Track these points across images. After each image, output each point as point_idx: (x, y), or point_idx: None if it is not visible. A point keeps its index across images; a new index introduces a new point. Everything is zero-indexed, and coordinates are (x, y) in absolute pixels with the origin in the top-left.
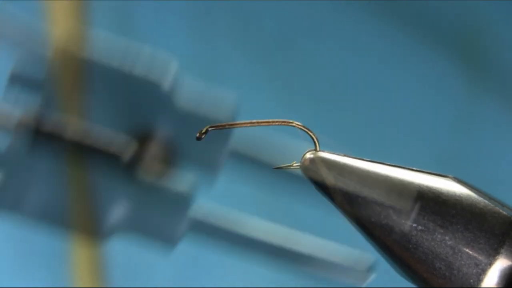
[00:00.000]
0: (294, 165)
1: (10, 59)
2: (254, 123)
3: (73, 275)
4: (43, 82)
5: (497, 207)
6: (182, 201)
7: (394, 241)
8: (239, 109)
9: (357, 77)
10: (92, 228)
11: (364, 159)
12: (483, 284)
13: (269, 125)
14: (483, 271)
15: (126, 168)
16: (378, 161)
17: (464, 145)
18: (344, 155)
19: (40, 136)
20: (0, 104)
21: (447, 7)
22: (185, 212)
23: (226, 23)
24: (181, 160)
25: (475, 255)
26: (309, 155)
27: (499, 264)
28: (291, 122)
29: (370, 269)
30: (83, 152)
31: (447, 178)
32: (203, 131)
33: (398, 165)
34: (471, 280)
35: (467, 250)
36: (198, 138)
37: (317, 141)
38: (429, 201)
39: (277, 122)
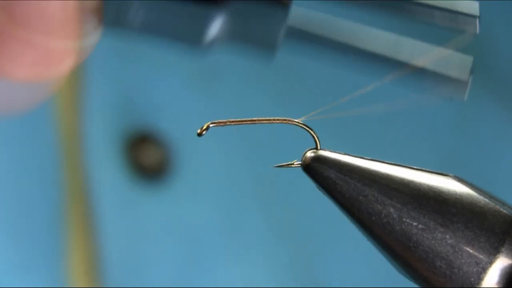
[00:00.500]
0: (295, 163)
1: None
2: (255, 120)
3: (70, 275)
4: None
5: (497, 206)
6: (279, 9)
7: (395, 240)
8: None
9: (356, 76)
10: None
11: (365, 157)
12: (484, 283)
13: (270, 123)
14: (483, 270)
15: None
16: (379, 159)
17: (464, 144)
18: (345, 154)
19: None
20: None
21: None
22: (283, 18)
23: None
24: None
25: (476, 253)
26: (310, 154)
27: (500, 263)
28: (292, 120)
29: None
30: None
31: (448, 177)
32: (204, 127)
33: (399, 163)
34: (472, 279)
35: (467, 249)
36: (199, 134)
37: (318, 139)
38: (430, 200)
39: (278, 120)
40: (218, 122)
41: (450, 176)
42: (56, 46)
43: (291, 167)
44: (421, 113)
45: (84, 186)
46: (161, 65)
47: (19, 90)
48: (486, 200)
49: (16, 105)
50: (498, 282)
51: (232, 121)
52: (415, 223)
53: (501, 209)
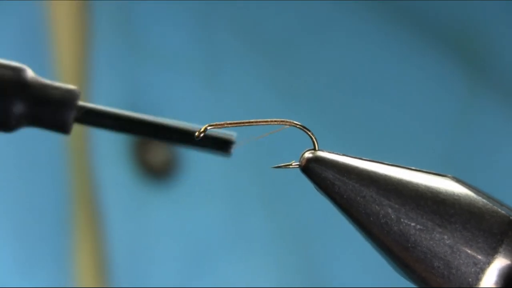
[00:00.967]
0: (293, 164)
1: None
2: (252, 122)
3: (77, 275)
4: None
5: (495, 207)
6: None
7: (393, 240)
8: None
9: (357, 75)
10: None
11: (363, 158)
12: (482, 283)
13: (268, 124)
14: (481, 270)
15: None
16: (377, 160)
17: (465, 143)
18: (343, 155)
19: None
20: None
21: (449, 5)
22: None
23: (229, 21)
24: None
25: (474, 254)
26: (308, 154)
27: (498, 263)
28: (290, 122)
29: None
30: None
31: (446, 178)
32: (202, 129)
33: (397, 164)
34: (470, 279)
35: (465, 249)
36: (197, 137)
37: (316, 140)
38: (428, 200)
39: (275, 121)
40: (216, 124)
41: (448, 177)
42: None
43: (289, 168)
44: (423, 112)
45: (91, 186)
46: (169, 63)
47: None
48: (484, 200)
49: None
50: (496, 283)
51: (230, 123)
52: (413, 224)
53: (499, 209)
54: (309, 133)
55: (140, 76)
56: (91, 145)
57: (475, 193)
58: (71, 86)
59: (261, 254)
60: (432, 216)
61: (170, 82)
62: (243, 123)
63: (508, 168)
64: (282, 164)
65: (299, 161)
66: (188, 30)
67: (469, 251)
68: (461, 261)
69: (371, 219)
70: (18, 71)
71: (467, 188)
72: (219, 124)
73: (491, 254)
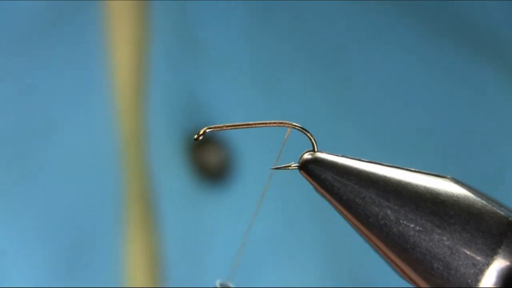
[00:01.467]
0: (293, 165)
1: None
2: (251, 124)
3: (130, 275)
4: None
5: (494, 208)
6: None
7: (392, 242)
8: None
9: (408, 86)
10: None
11: (362, 159)
12: (481, 284)
13: (267, 126)
14: (480, 271)
15: None
16: (376, 161)
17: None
18: (342, 156)
19: None
20: None
21: (499, 18)
22: None
23: (285, 27)
24: None
25: (473, 255)
26: (307, 156)
27: (497, 264)
28: (289, 123)
29: None
30: None
31: (445, 179)
32: (201, 132)
33: (396, 165)
34: (469, 280)
35: (464, 250)
36: (196, 139)
37: (315, 142)
38: (427, 202)
39: (274, 123)
40: (215, 127)
41: (448, 178)
42: None
43: (289, 169)
44: (470, 124)
45: (146, 187)
46: (224, 64)
47: None
48: (483, 201)
49: None
50: (495, 284)
51: (228, 126)
52: (412, 225)
53: (498, 210)
54: (308, 134)
55: (196, 76)
56: (148, 146)
57: (474, 194)
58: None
59: (310, 258)
60: (432, 217)
61: (224, 84)
62: (241, 125)
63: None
64: (281, 166)
65: (298, 163)
66: (244, 33)
67: (468, 252)
68: (460, 262)
69: (370, 220)
70: None
71: (466, 189)
72: (218, 127)
73: (490, 255)
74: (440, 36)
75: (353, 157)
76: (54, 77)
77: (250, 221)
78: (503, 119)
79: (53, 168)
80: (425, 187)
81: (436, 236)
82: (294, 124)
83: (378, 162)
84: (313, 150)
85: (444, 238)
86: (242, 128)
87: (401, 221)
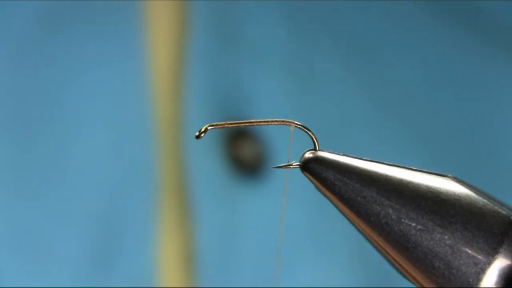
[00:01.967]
0: (294, 164)
1: None
2: (253, 122)
3: (162, 269)
4: None
5: (496, 207)
6: None
7: (393, 241)
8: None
9: (447, 82)
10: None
11: (364, 158)
12: (482, 283)
13: (268, 124)
14: (482, 271)
15: None
16: (378, 160)
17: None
18: (344, 155)
19: None
20: None
21: None
22: None
23: (322, 21)
24: None
25: (474, 254)
26: (308, 155)
27: (498, 264)
28: (290, 122)
29: None
30: None
31: (446, 178)
32: (202, 130)
33: (398, 164)
34: (470, 279)
35: (466, 250)
36: (197, 137)
37: (316, 140)
38: (428, 201)
39: (275, 121)
40: (216, 124)
41: (449, 177)
42: None
43: (290, 168)
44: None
45: (180, 178)
46: (261, 58)
47: None
48: (485, 201)
49: None
50: (497, 283)
51: (231, 123)
52: (413, 224)
53: (500, 210)
54: (309, 133)
55: (233, 69)
56: (183, 138)
57: (475, 193)
58: None
59: (342, 253)
60: (433, 216)
61: (261, 77)
62: (243, 123)
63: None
64: (282, 164)
65: (299, 161)
66: (282, 27)
67: (469, 251)
68: (461, 261)
69: (372, 219)
70: None
71: (467, 188)
72: (220, 124)
73: (491, 254)
74: (478, 35)
75: (355, 156)
76: (92, 69)
77: (281, 216)
78: None
79: (86, 159)
80: (426, 186)
81: (438, 235)
82: (296, 122)
83: (379, 161)
84: (315, 149)
85: (446, 237)
86: (245, 125)
87: (402, 220)
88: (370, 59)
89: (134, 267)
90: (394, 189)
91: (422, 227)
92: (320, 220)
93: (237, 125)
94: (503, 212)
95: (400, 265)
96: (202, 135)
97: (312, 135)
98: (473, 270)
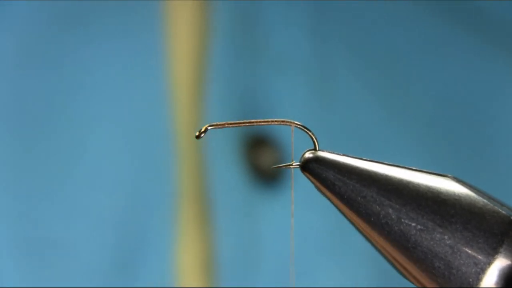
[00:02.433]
0: (294, 164)
1: None
2: (253, 122)
3: (181, 274)
4: None
5: (496, 207)
6: None
7: (393, 241)
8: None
9: (465, 95)
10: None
11: (364, 158)
12: (482, 283)
13: (269, 124)
14: (482, 271)
15: None
16: (377, 160)
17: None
18: (344, 155)
19: None
20: None
21: None
22: None
23: (343, 32)
24: None
25: (474, 254)
26: (308, 155)
27: (498, 264)
28: (290, 122)
29: None
30: None
31: (446, 178)
32: (202, 129)
33: (398, 164)
34: (470, 279)
35: (466, 250)
36: (197, 137)
37: (316, 140)
38: (428, 200)
39: (276, 121)
40: (216, 124)
41: (449, 177)
42: None
43: (290, 168)
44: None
45: (200, 184)
46: (282, 67)
47: None
48: (485, 201)
49: None
50: (497, 283)
51: (231, 123)
52: (413, 224)
53: (500, 210)
54: (309, 133)
55: (254, 74)
56: (203, 144)
57: (475, 193)
58: None
59: (362, 260)
60: (433, 216)
61: (281, 82)
62: (243, 123)
63: None
64: (282, 164)
65: (299, 161)
66: (303, 33)
67: (469, 251)
68: (461, 261)
69: (372, 219)
70: None
71: (467, 188)
72: (220, 124)
73: (491, 254)
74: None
75: (354, 156)
76: (112, 73)
77: (291, 220)
78: None
79: (106, 166)
80: (426, 186)
81: (438, 235)
82: (296, 122)
83: (379, 161)
84: (315, 149)
85: (446, 237)
86: (244, 125)
87: (402, 220)
88: (388, 66)
89: (154, 273)
90: (394, 189)
91: (422, 227)
92: (339, 224)
93: (237, 125)
94: (503, 212)
95: (400, 265)
96: (202, 135)
97: (312, 135)
98: (473, 270)
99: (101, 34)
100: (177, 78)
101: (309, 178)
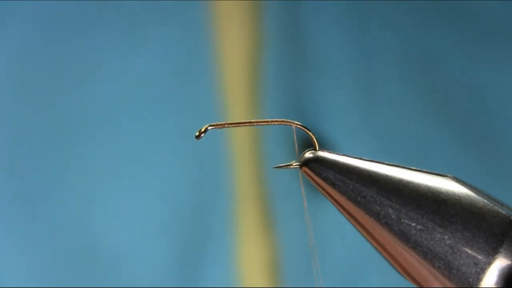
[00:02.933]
0: (294, 164)
1: None
2: (253, 122)
3: (243, 276)
4: None
5: (496, 207)
6: None
7: (393, 240)
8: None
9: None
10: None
11: (364, 158)
12: (482, 283)
13: (269, 124)
14: (482, 271)
15: None
16: (377, 160)
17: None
18: (344, 155)
19: None
20: None
21: None
22: None
23: (387, 36)
24: None
25: (474, 254)
26: (308, 154)
27: (498, 264)
28: (291, 122)
29: None
30: None
31: (446, 178)
32: (202, 129)
33: (397, 164)
34: (470, 279)
35: (466, 250)
36: (197, 137)
37: (317, 140)
38: (428, 200)
39: (276, 121)
40: (216, 125)
41: (449, 177)
42: None
43: (290, 168)
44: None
45: (259, 187)
46: (329, 72)
47: None
48: (485, 201)
49: None
50: (497, 283)
51: (231, 124)
52: (413, 224)
53: (500, 210)
54: (309, 133)
55: (301, 83)
56: (260, 146)
57: (475, 193)
58: None
59: None
60: (433, 216)
61: (329, 88)
62: (243, 123)
63: None
64: (282, 164)
65: (299, 161)
66: (347, 42)
67: (469, 251)
68: (461, 261)
69: (372, 219)
70: None
71: (467, 188)
72: (220, 124)
73: (491, 254)
74: None
75: (354, 156)
76: (167, 81)
77: (306, 217)
78: None
79: (165, 167)
80: (426, 186)
81: (438, 235)
82: (296, 122)
83: (380, 161)
84: (315, 149)
85: (446, 237)
86: (245, 125)
87: (402, 220)
88: (429, 68)
89: (217, 275)
90: (394, 189)
91: (422, 227)
92: None
93: (237, 125)
94: (503, 212)
95: (400, 265)
96: (202, 135)
97: (312, 135)
98: (473, 270)
99: (150, 40)
100: (232, 83)
101: (309, 178)
